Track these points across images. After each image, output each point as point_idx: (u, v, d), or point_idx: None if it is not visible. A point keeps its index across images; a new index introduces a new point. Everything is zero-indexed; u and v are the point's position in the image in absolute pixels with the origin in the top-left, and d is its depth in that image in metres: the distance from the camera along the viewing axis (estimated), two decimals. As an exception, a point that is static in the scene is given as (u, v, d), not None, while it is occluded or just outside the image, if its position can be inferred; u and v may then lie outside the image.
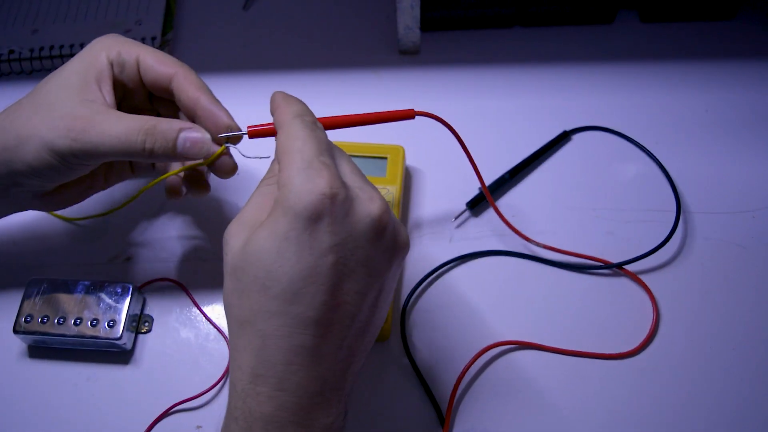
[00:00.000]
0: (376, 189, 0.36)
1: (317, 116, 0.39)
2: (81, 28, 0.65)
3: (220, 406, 0.47)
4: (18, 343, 0.49)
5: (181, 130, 0.41)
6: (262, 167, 0.40)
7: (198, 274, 0.52)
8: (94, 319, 0.47)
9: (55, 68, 0.44)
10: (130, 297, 0.48)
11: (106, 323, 0.47)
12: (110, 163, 0.48)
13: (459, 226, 0.54)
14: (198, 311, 0.51)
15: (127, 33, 0.65)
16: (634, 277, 0.51)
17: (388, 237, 0.35)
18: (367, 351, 0.38)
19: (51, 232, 0.54)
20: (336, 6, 0.69)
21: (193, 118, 0.43)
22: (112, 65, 0.43)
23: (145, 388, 0.47)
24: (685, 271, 0.51)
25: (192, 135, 0.41)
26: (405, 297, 0.50)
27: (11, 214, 0.47)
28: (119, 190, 0.55)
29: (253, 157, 0.43)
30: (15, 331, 0.47)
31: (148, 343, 0.49)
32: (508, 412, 0.46)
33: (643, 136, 0.58)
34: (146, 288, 0.52)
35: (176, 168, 0.49)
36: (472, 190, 0.55)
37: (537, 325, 0.49)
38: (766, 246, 0.52)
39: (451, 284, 0.52)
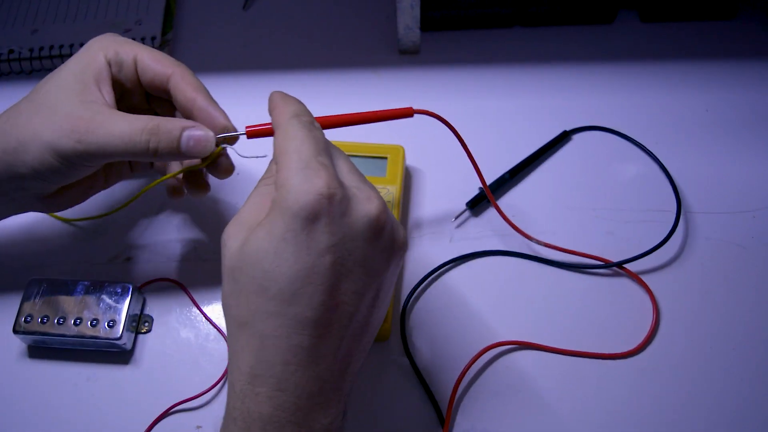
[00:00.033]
0: (374, 188, 0.36)
1: (316, 116, 0.39)
2: (81, 28, 0.65)
3: (220, 406, 0.47)
4: (18, 343, 0.49)
5: (184, 128, 0.41)
6: (262, 167, 0.40)
7: (198, 274, 0.52)
8: (94, 319, 0.47)
9: (55, 68, 0.44)
10: (130, 297, 0.48)
11: (106, 323, 0.47)
12: (110, 162, 0.48)
13: (459, 226, 0.54)
14: (198, 311, 0.51)
15: (126, 33, 0.65)
16: (634, 276, 0.51)
17: (386, 237, 0.35)
18: (366, 351, 0.38)
19: (51, 233, 0.54)
20: (336, 6, 0.69)
21: (189, 118, 0.43)
22: (110, 65, 0.43)
23: (145, 388, 0.47)
24: (685, 271, 0.51)
25: (196, 133, 0.41)
26: (405, 297, 0.50)
27: (12, 215, 0.47)
28: (119, 190, 0.55)
29: (250, 157, 0.43)
30: (15, 331, 0.47)
31: (148, 343, 0.49)
32: (508, 412, 0.46)
33: (643, 136, 0.58)
34: (146, 288, 0.52)
35: (174, 169, 0.49)
36: (472, 190, 0.55)
37: (537, 325, 0.49)
38: (766, 246, 0.52)
39: (451, 284, 0.52)
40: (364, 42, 0.66)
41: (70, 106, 0.41)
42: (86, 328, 0.47)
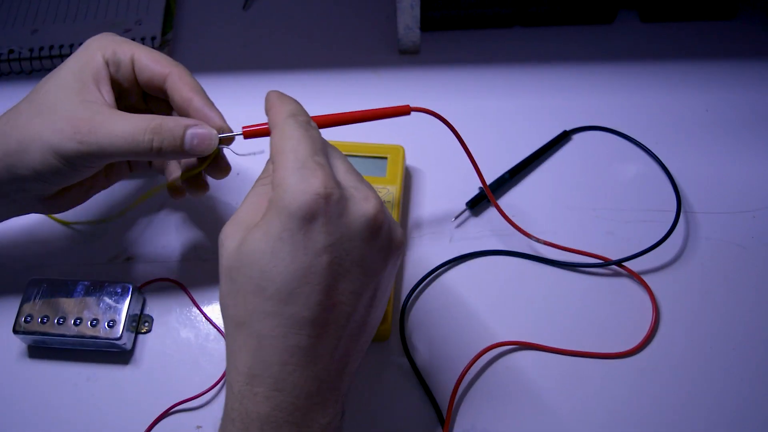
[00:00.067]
0: (371, 188, 0.36)
1: (314, 115, 0.39)
2: (81, 28, 0.65)
3: (220, 406, 0.47)
4: (18, 343, 0.49)
5: (187, 127, 0.41)
6: (261, 167, 0.40)
7: (198, 274, 0.52)
8: (94, 319, 0.47)
9: (55, 68, 0.44)
10: (130, 297, 0.48)
11: (106, 323, 0.47)
12: (111, 162, 0.48)
13: (459, 225, 0.54)
14: (198, 311, 0.51)
15: (126, 33, 0.65)
16: (634, 275, 0.51)
17: (384, 236, 0.35)
18: (364, 351, 0.38)
19: (51, 233, 0.54)
20: (336, 6, 0.69)
21: None
22: (107, 64, 0.43)
23: (145, 388, 0.47)
24: (685, 271, 0.51)
25: (199, 131, 0.41)
26: (405, 297, 0.50)
27: (13, 217, 0.47)
28: (118, 190, 0.55)
29: (246, 154, 0.43)
30: (15, 331, 0.47)
31: (148, 343, 0.49)
32: (508, 412, 0.46)
33: (643, 136, 0.58)
34: (146, 288, 0.52)
35: (173, 169, 0.49)
36: (472, 189, 0.55)
37: (537, 325, 0.49)
38: (766, 246, 0.52)
39: (451, 284, 0.52)
40: (364, 42, 0.66)
41: (70, 106, 0.41)
42: (86, 328, 0.47)
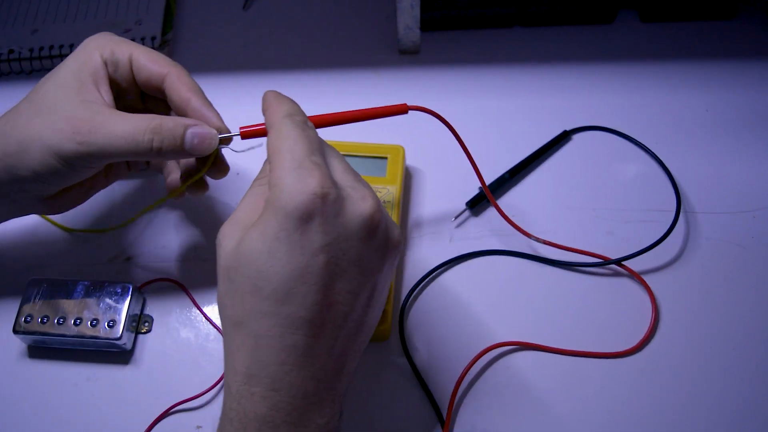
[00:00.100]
0: (368, 187, 0.36)
1: (312, 115, 0.39)
2: (81, 28, 0.65)
3: (219, 407, 0.46)
4: (18, 343, 0.49)
5: (187, 126, 0.41)
6: (260, 166, 0.40)
7: (198, 274, 0.52)
8: (94, 319, 0.47)
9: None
10: (130, 297, 0.48)
11: (106, 323, 0.47)
12: (110, 162, 0.48)
13: (459, 225, 0.54)
14: (198, 311, 0.51)
15: (126, 33, 0.65)
16: (634, 274, 0.51)
17: (381, 236, 0.35)
18: (362, 351, 0.38)
19: (51, 233, 0.55)
20: (336, 6, 0.69)
21: None
22: (106, 64, 0.43)
23: (145, 388, 0.47)
24: (685, 271, 0.51)
25: (199, 131, 0.41)
26: (404, 297, 0.50)
27: (14, 218, 0.47)
28: (118, 191, 0.55)
29: (244, 150, 0.44)
30: (15, 331, 0.47)
31: (148, 343, 0.49)
32: (509, 412, 0.46)
33: (643, 135, 0.58)
34: (146, 288, 0.52)
35: (171, 168, 0.49)
36: (472, 189, 0.55)
37: (537, 325, 0.49)
38: (766, 246, 0.52)
39: (450, 284, 0.52)
40: (364, 42, 0.66)
41: (70, 105, 0.41)
42: (86, 328, 0.47)
